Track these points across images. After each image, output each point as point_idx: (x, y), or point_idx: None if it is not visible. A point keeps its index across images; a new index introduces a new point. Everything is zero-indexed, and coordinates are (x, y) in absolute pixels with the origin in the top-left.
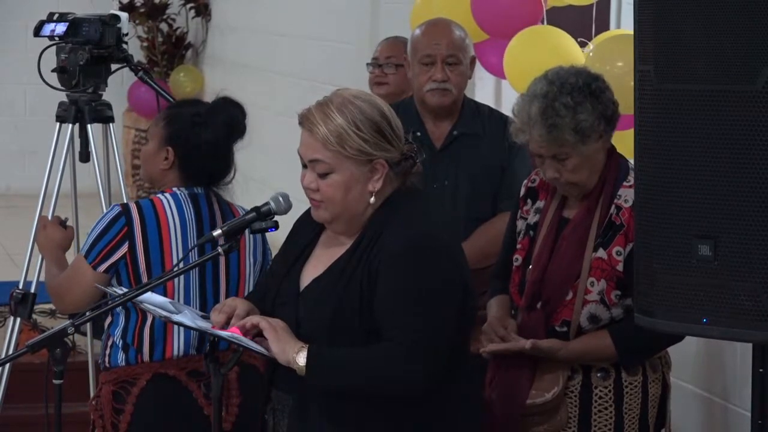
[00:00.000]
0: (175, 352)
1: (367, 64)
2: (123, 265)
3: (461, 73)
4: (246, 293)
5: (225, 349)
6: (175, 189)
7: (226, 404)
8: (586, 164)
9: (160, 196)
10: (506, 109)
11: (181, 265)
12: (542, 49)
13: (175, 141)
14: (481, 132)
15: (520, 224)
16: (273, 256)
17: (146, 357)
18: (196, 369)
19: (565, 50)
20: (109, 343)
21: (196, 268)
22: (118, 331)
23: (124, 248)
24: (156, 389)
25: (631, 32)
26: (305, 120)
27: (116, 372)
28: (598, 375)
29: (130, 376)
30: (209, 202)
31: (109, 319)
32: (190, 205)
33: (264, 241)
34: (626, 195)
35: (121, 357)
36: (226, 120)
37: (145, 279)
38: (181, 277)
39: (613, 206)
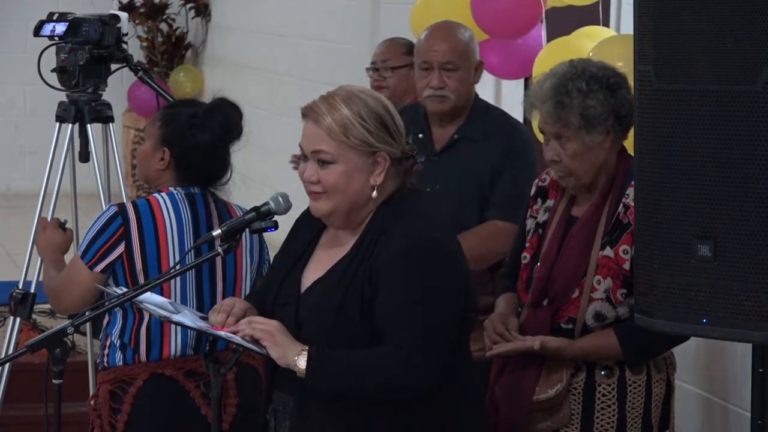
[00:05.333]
0: (173, 352)
1: (367, 69)
2: (119, 265)
3: (460, 78)
4: (243, 293)
5: (223, 349)
6: (171, 189)
7: (224, 404)
8: (586, 156)
9: (156, 195)
10: (506, 108)
11: (180, 265)
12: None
13: (172, 142)
14: (480, 137)
15: (530, 223)
16: (270, 256)
17: (143, 357)
18: (193, 369)
19: None
20: (107, 344)
21: (193, 269)
22: (116, 332)
23: (121, 248)
24: (153, 389)
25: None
26: (310, 111)
27: (114, 372)
28: (602, 373)
29: (127, 375)
30: (206, 202)
31: (106, 320)
32: (187, 205)
33: (261, 240)
34: (634, 194)
35: (118, 357)
36: (223, 121)
37: (141, 279)
38: (178, 277)
39: (621, 205)
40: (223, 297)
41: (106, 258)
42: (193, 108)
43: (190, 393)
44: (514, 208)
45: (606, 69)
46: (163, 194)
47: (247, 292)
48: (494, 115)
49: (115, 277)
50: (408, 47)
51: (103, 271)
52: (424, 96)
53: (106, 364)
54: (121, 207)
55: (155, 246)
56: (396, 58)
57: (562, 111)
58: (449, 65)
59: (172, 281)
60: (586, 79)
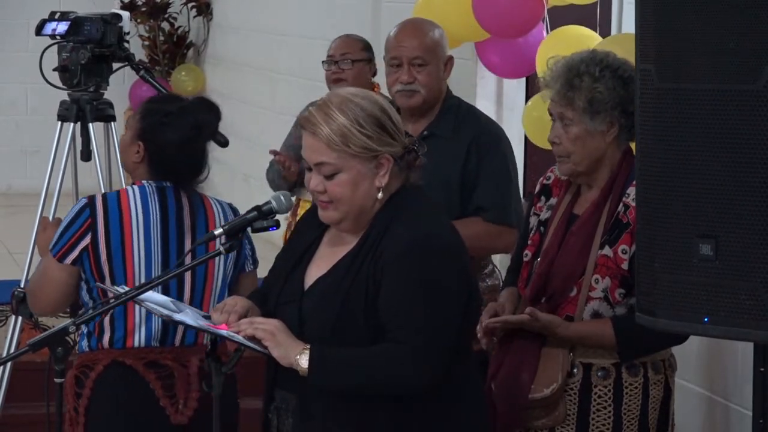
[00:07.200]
0: (136, 343)
1: (323, 62)
2: (86, 256)
3: (429, 73)
4: (214, 289)
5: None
6: (144, 182)
7: (184, 398)
8: (586, 141)
9: (128, 188)
10: (507, 108)
11: (184, 261)
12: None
13: (145, 137)
14: (450, 134)
15: (533, 220)
16: (268, 253)
17: (106, 344)
18: (155, 360)
19: None
20: (79, 332)
21: (160, 262)
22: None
23: (87, 240)
24: (113, 375)
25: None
26: (306, 123)
27: (80, 357)
28: (599, 374)
29: (90, 360)
30: (177, 196)
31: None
32: (156, 198)
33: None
34: (635, 194)
35: (85, 344)
36: (193, 122)
37: (106, 270)
38: (143, 270)
39: (621, 204)
40: (192, 294)
41: (73, 250)
42: (171, 105)
43: (150, 384)
44: (501, 209)
45: (626, 64)
46: (135, 187)
47: (219, 288)
48: (465, 111)
49: (83, 269)
50: (364, 44)
51: (73, 263)
52: (394, 92)
53: (76, 351)
54: (91, 199)
55: (120, 238)
56: (355, 52)
57: (570, 91)
58: (418, 60)
59: (136, 273)
60: (601, 67)
